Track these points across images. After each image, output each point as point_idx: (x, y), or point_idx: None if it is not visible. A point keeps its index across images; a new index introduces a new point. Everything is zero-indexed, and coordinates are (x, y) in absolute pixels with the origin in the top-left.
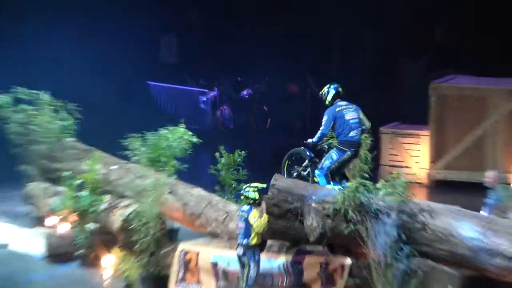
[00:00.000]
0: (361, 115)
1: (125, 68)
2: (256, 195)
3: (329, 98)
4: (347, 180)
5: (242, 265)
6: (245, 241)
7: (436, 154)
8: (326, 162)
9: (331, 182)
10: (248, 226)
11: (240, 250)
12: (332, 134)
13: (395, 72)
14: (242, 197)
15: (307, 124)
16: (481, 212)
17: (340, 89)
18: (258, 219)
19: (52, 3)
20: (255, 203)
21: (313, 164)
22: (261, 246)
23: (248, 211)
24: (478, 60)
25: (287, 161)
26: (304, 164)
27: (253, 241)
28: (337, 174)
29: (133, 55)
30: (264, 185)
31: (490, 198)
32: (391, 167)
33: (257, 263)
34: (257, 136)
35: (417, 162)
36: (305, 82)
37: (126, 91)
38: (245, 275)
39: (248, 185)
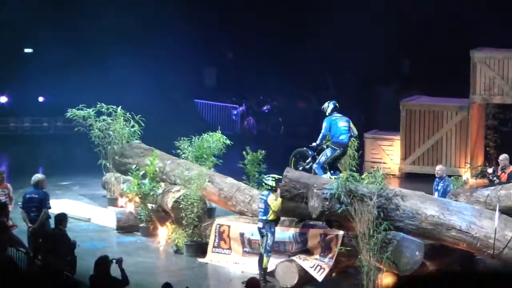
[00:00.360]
0: (351, 125)
1: (179, 90)
2: (273, 183)
3: (328, 110)
4: (340, 172)
5: (262, 235)
6: (264, 217)
7: (405, 153)
8: (322, 158)
9: (328, 173)
10: (266, 206)
11: (260, 224)
12: (328, 137)
13: (375, 94)
14: (263, 184)
15: (311, 131)
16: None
17: (337, 104)
18: (275, 201)
19: (124, 43)
20: (272, 189)
21: (314, 161)
22: (276, 222)
23: (267, 195)
24: (433, 85)
25: (293, 158)
26: (307, 161)
27: (270, 217)
28: (332, 168)
29: (185, 81)
30: (280, 176)
31: (439, 185)
32: (372, 162)
33: (273, 234)
34: (274, 139)
35: (391, 159)
36: (309, 100)
37: (179, 107)
38: (264, 243)
39: (267, 175)
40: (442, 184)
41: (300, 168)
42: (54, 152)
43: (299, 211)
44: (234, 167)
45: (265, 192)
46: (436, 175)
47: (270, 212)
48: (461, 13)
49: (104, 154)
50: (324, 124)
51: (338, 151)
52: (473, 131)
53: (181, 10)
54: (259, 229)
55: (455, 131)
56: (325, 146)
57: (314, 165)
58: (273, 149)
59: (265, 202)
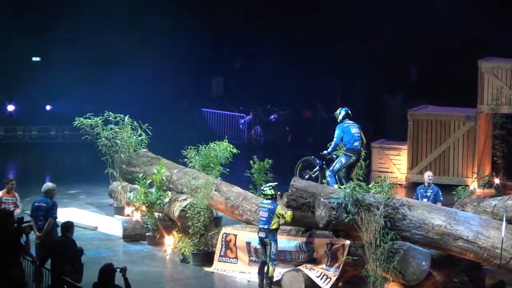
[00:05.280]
0: (361, 133)
1: (186, 99)
2: (272, 192)
3: (340, 117)
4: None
5: (265, 245)
6: (266, 226)
7: (412, 163)
8: (336, 165)
9: (339, 183)
10: (270, 215)
11: (263, 234)
12: (340, 145)
13: (382, 103)
14: (263, 195)
15: (317, 140)
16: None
17: (349, 112)
18: (287, 211)
19: (132, 51)
20: (273, 197)
21: (322, 170)
22: (277, 230)
23: (273, 204)
24: (441, 95)
25: (300, 165)
26: (314, 170)
27: (274, 226)
28: (346, 178)
29: (192, 90)
30: (276, 183)
31: (428, 192)
32: (379, 172)
33: (276, 242)
34: (281, 148)
35: (398, 169)
36: (316, 110)
37: (186, 115)
38: (268, 252)
39: (265, 185)
40: (431, 191)
41: (306, 177)
42: (61, 161)
43: (305, 220)
44: (241, 176)
45: (267, 201)
46: (429, 181)
47: (274, 221)
48: (469, 23)
49: (111, 162)
50: (336, 132)
51: (353, 157)
52: (480, 141)
53: (189, 20)
54: (262, 238)
55: (463, 141)
56: (334, 156)
57: (328, 172)
58: (280, 158)
59: (270, 211)
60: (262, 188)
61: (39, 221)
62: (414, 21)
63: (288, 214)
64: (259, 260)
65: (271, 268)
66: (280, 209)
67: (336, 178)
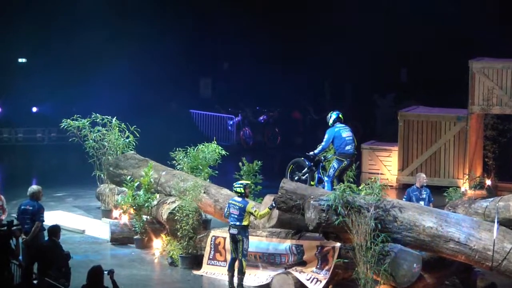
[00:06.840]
0: (353, 136)
1: (174, 100)
2: (242, 190)
3: (331, 121)
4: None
5: (237, 241)
6: (238, 223)
7: (403, 164)
8: (330, 171)
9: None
10: (241, 213)
11: (235, 230)
12: (331, 147)
13: (373, 104)
14: (234, 191)
15: (307, 141)
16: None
17: (340, 115)
18: (256, 208)
19: (119, 52)
20: (242, 195)
21: (311, 172)
22: (248, 226)
23: (243, 202)
24: (432, 95)
25: (291, 166)
26: (303, 171)
27: (245, 223)
28: (337, 180)
29: (181, 92)
30: (249, 181)
31: (423, 194)
32: (370, 173)
33: (248, 238)
34: (270, 150)
35: (389, 170)
36: (305, 111)
37: (175, 117)
38: (241, 248)
39: (237, 182)
40: (425, 192)
41: (296, 178)
42: (48, 163)
43: (295, 222)
44: (230, 178)
45: (238, 199)
46: (424, 184)
47: (245, 218)
48: (460, 23)
49: (98, 165)
50: (326, 136)
51: (345, 161)
52: (471, 141)
53: (177, 21)
54: (234, 235)
55: (454, 141)
56: (322, 158)
57: (325, 179)
58: (269, 159)
59: (240, 209)
60: (233, 185)
61: (25, 225)
62: (404, 22)
63: (260, 214)
64: (248, 263)
65: (244, 263)
66: (250, 207)
67: (334, 184)
